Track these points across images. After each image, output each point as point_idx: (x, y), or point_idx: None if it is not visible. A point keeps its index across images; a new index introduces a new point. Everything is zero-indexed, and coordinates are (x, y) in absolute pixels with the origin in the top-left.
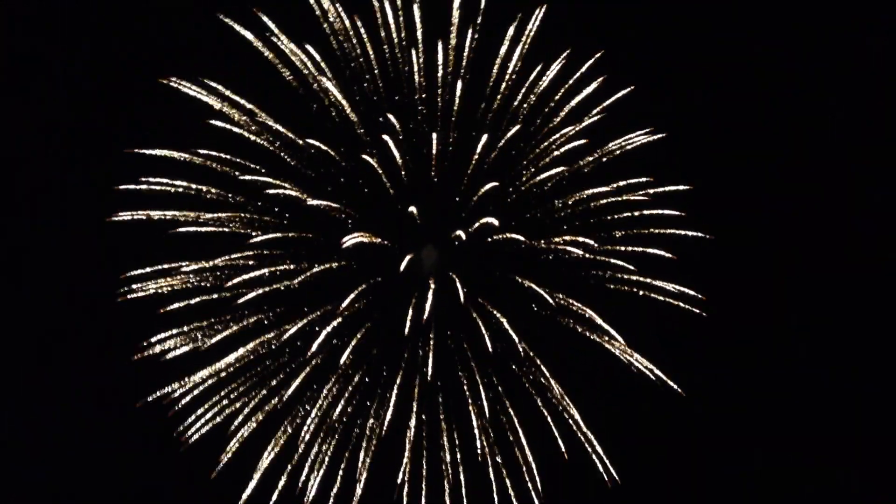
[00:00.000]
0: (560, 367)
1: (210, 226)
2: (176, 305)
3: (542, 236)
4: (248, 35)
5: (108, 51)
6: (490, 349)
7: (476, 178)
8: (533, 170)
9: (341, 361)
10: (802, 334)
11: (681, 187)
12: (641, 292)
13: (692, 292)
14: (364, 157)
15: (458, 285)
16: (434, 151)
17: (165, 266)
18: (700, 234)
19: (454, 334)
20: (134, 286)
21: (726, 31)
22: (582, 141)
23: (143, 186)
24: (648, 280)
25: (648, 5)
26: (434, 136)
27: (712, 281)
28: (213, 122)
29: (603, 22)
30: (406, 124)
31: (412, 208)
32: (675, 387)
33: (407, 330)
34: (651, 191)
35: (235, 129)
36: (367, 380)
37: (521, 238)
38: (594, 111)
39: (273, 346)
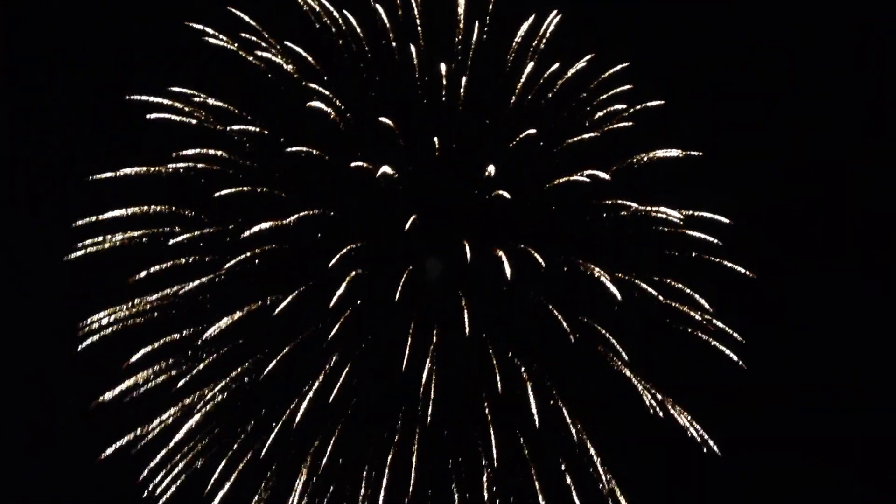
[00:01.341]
0: (580, 407)
1: (181, 253)
2: (140, 354)
3: (563, 256)
4: (222, 39)
5: (70, 70)
6: (500, 390)
7: (485, 184)
8: (550, 182)
9: (330, 399)
10: (846, 389)
11: (720, 217)
12: (677, 327)
13: (732, 332)
14: (357, 163)
15: (466, 316)
16: (436, 154)
17: (124, 309)
18: (740, 269)
19: (458, 371)
20: (93, 329)
21: (763, 48)
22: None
23: (108, 215)
24: (686, 310)
25: (678, 12)
26: (436, 139)
27: (752, 321)
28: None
29: (628, 29)
30: (404, 126)
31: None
32: (712, 444)
33: (404, 366)
34: (680, 215)
35: (211, 151)
36: (359, 426)
37: (538, 257)
38: (617, 120)
39: (252, 385)
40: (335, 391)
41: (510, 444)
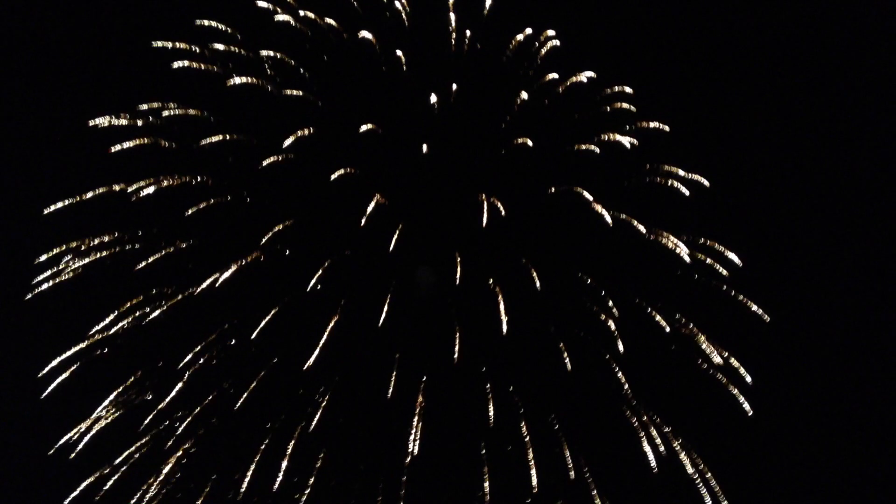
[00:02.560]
0: (577, 438)
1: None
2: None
3: (561, 275)
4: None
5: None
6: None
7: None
8: (546, 195)
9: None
10: (857, 439)
11: (731, 255)
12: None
13: (740, 369)
14: (339, 172)
15: (457, 341)
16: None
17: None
18: (753, 308)
19: (448, 401)
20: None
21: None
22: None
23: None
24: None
25: (686, 37)
26: (424, 146)
27: (762, 360)
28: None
29: (630, 50)
30: (390, 133)
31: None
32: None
33: (390, 393)
34: (686, 249)
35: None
36: (343, 458)
37: (535, 275)
38: (620, 135)
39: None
40: (315, 422)
41: (504, 479)
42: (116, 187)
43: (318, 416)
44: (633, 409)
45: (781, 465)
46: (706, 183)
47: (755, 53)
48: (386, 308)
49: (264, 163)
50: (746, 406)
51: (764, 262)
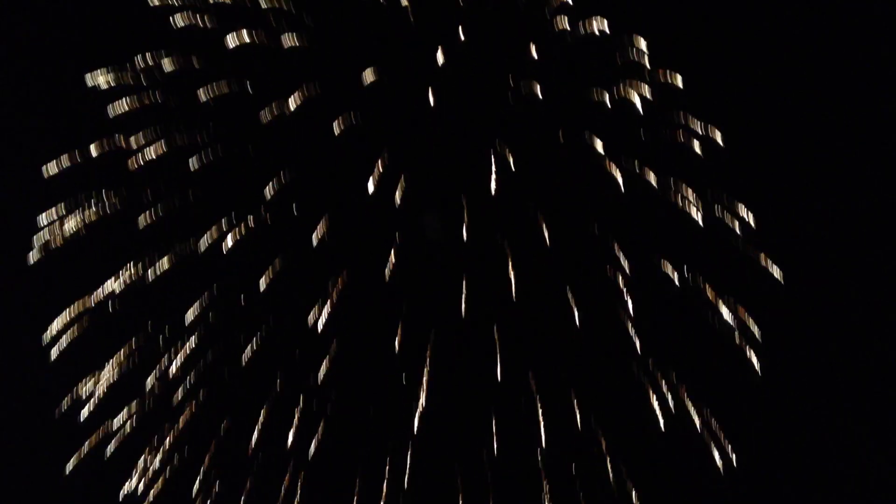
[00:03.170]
0: (587, 396)
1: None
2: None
3: (571, 227)
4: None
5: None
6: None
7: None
8: (558, 145)
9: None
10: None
11: (746, 214)
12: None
13: (753, 328)
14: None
15: (464, 290)
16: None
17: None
18: (769, 269)
19: (456, 358)
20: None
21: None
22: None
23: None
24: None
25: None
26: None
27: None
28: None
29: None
30: (394, 78)
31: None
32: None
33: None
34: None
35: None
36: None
37: (545, 229)
38: (634, 88)
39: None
40: (322, 376)
41: (512, 437)
42: (116, 144)
43: (324, 370)
44: (642, 366)
45: (790, 425)
46: (720, 140)
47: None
48: (392, 260)
49: (266, 116)
50: (756, 365)
51: (780, 222)
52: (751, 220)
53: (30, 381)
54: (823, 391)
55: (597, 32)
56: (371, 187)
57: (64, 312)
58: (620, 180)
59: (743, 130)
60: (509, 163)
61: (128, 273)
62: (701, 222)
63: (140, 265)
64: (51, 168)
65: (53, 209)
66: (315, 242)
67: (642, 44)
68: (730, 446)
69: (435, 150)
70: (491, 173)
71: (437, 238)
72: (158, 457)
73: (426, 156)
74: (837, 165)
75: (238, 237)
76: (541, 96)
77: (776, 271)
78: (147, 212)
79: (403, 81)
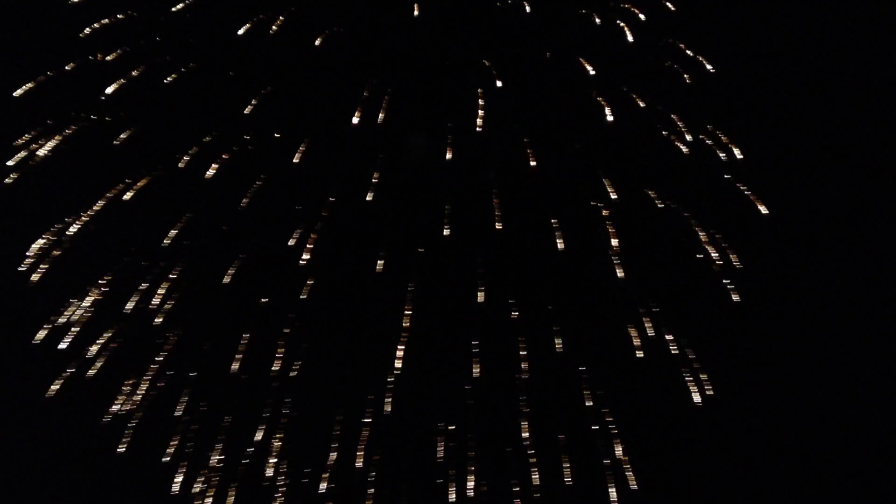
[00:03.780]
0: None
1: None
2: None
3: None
4: None
5: None
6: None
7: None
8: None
9: None
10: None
11: (733, 147)
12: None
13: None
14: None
15: (446, 214)
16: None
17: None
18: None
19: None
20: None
21: None
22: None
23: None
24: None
25: None
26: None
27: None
28: None
29: None
30: None
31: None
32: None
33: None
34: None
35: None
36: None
37: (529, 155)
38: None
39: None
40: (305, 297)
41: (494, 362)
42: (90, 61)
43: (307, 293)
44: (622, 293)
45: (768, 358)
46: (710, 68)
47: None
48: (375, 181)
49: (243, 30)
50: (735, 296)
51: (766, 156)
52: (737, 152)
53: (7, 308)
54: (804, 327)
55: None
56: (355, 119)
57: (41, 239)
58: (608, 109)
59: (735, 63)
60: (496, 84)
61: (106, 195)
62: (686, 149)
63: (119, 187)
64: (22, 90)
65: (27, 134)
66: (297, 161)
67: None
68: (705, 377)
69: (420, 69)
70: (477, 96)
71: (421, 161)
72: (142, 380)
73: (411, 75)
74: (832, 104)
75: (218, 159)
76: (528, 9)
77: (761, 206)
78: (123, 132)
79: None
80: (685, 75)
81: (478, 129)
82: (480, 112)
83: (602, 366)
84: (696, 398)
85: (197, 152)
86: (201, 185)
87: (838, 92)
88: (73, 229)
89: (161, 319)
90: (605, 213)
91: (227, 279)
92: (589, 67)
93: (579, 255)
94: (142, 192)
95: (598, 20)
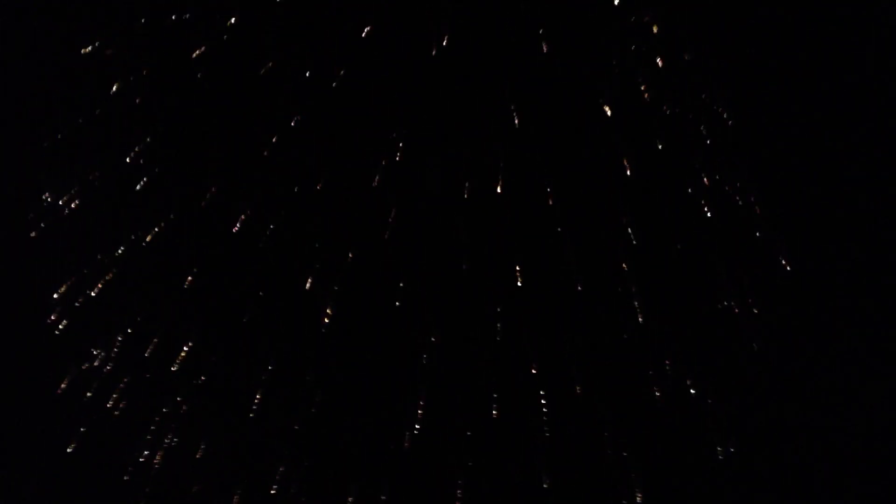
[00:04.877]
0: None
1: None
2: None
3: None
4: None
5: None
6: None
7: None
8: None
9: None
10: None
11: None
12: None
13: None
14: None
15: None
16: None
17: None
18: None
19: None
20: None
21: None
22: None
23: None
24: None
25: None
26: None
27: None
28: None
29: None
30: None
31: None
32: None
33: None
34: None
35: None
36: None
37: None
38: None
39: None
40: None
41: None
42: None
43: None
44: (642, 338)
45: (788, 413)
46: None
47: None
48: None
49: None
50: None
51: (789, 207)
52: (756, 205)
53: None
54: (826, 378)
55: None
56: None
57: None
58: (627, 155)
59: (755, 113)
60: (513, 115)
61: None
62: (708, 211)
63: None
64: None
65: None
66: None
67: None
68: (727, 429)
69: (438, 95)
70: (496, 125)
71: (437, 190)
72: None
73: (429, 101)
74: (852, 155)
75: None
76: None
77: (783, 257)
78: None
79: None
80: (702, 127)
81: (495, 155)
82: (498, 141)
83: (622, 411)
84: (718, 450)
85: (215, 195)
86: (221, 229)
87: (859, 143)
88: (93, 275)
89: (178, 365)
90: (624, 266)
91: (246, 319)
92: (607, 109)
93: (598, 298)
94: (160, 236)
95: (615, 64)
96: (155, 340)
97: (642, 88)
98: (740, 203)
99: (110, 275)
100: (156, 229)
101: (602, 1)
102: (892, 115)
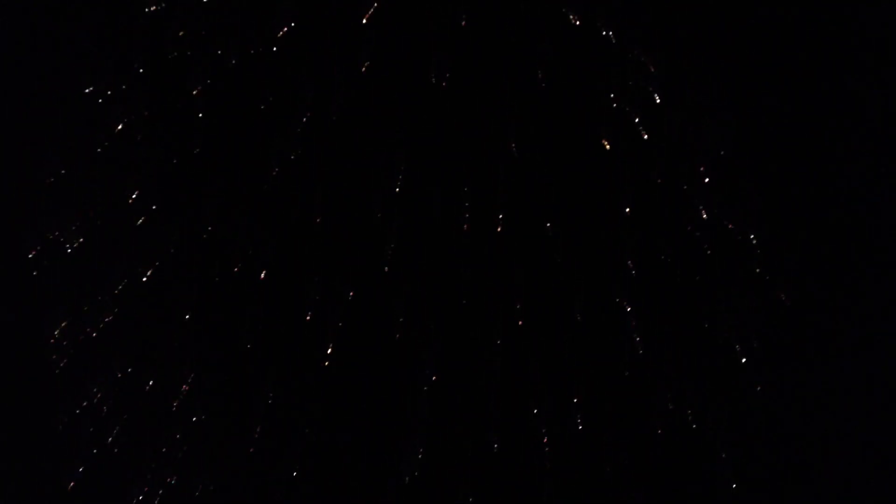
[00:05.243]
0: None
1: None
2: None
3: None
4: None
5: None
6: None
7: None
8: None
9: None
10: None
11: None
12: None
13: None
14: None
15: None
16: None
17: None
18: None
19: None
20: None
21: None
22: None
23: None
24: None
25: None
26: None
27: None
28: None
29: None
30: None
31: None
32: None
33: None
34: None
35: None
36: None
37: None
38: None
39: None
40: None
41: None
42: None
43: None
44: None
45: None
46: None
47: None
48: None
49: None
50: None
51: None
52: (755, 240)
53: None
54: (826, 416)
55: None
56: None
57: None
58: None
59: (752, 148)
60: (513, 149)
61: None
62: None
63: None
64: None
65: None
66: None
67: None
68: (728, 463)
69: (438, 129)
70: (496, 158)
71: (437, 223)
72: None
73: (430, 135)
74: (852, 191)
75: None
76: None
77: (782, 289)
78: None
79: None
80: (702, 167)
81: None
82: (499, 174)
83: (623, 445)
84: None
85: (215, 231)
86: (221, 265)
87: (858, 179)
88: (94, 311)
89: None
90: (626, 307)
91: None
92: (606, 143)
93: (598, 333)
94: (160, 273)
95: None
96: (152, 380)
97: (639, 128)
98: (739, 238)
99: (110, 316)
100: (157, 263)
101: (600, 39)
102: (887, 151)
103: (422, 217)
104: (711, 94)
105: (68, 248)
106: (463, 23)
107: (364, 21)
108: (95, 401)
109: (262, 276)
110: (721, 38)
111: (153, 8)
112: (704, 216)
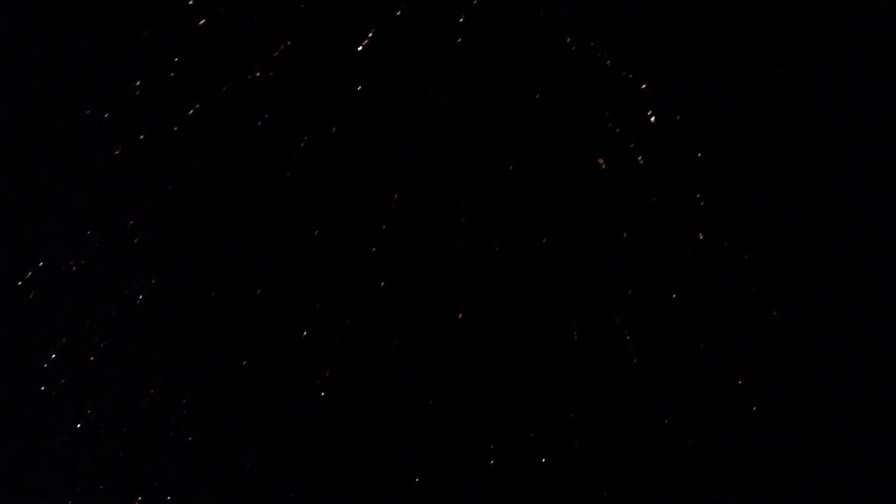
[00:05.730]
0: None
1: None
2: None
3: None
4: None
5: None
6: None
7: None
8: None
9: None
10: None
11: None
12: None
13: None
14: None
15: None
16: None
17: None
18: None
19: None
20: None
21: None
22: None
23: None
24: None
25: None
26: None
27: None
28: None
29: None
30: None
31: None
32: None
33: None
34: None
35: None
36: None
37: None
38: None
39: None
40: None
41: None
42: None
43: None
44: (636, 379)
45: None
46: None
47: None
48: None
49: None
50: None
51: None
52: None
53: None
54: (824, 437)
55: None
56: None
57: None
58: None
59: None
60: (509, 168)
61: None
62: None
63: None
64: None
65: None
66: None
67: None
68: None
69: (436, 151)
70: (494, 181)
71: (434, 241)
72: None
73: (424, 158)
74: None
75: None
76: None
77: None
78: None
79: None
80: (698, 195)
81: (493, 204)
82: (496, 189)
83: (621, 470)
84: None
85: (216, 247)
86: (216, 290)
87: (858, 202)
88: (91, 331)
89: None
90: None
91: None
92: (601, 162)
93: (595, 356)
94: (155, 297)
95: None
96: (148, 398)
97: (635, 151)
98: (737, 259)
99: (106, 338)
100: (153, 281)
101: (595, 60)
102: (885, 176)
103: (418, 235)
104: (708, 114)
105: (68, 268)
106: (460, 40)
107: (360, 49)
108: (90, 423)
109: (259, 293)
110: (719, 58)
111: (149, 32)
112: (701, 237)
